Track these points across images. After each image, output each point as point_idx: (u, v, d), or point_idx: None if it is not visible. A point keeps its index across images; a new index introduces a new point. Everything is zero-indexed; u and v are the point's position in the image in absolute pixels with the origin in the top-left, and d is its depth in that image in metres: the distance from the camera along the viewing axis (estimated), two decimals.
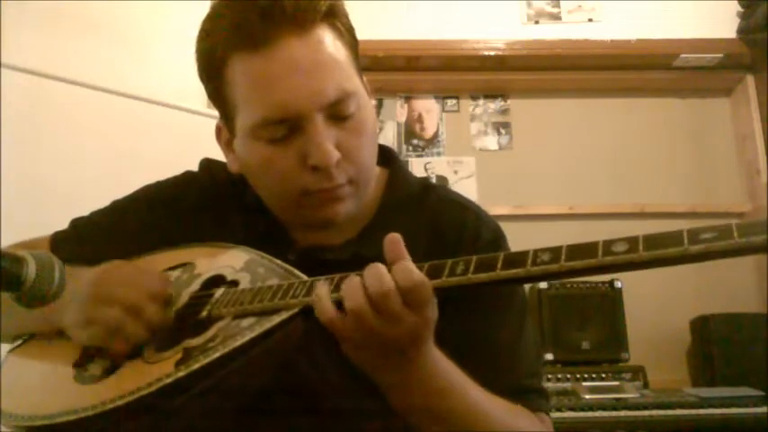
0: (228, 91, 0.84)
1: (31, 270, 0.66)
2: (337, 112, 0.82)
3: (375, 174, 0.92)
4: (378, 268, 0.68)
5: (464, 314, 0.80)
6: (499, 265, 0.67)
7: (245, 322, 0.76)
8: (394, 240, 0.69)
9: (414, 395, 0.73)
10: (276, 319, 0.74)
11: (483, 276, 0.68)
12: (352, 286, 0.68)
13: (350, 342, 0.70)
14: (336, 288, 0.71)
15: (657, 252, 0.61)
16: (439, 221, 0.91)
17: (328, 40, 0.82)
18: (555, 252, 0.66)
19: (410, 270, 0.67)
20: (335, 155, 0.81)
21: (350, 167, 0.84)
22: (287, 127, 0.81)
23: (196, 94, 0.89)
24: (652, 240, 0.62)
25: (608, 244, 0.64)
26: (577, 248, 0.65)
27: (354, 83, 0.84)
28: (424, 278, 0.67)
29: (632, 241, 0.63)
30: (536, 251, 0.67)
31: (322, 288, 0.71)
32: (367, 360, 0.72)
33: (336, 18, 0.83)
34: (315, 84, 0.80)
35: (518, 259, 0.67)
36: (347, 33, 0.85)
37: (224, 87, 0.84)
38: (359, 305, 0.67)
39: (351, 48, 0.86)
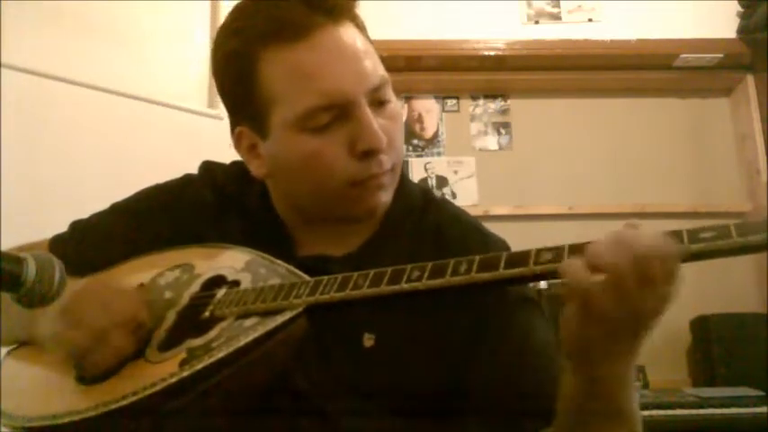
0: (263, 87, 0.83)
1: (31, 270, 0.66)
2: (378, 98, 0.84)
3: None
4: (637, 230, 0.63)
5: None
6: (502, 265, 0.67)
7: (249, 322, 0.76)
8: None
9: (613, 391, 0.68)
10: (279, 319, 0.74)
11: (485, 276, 0.68)
12: (610, 246, 0.61)
13: (593, 317, 0.63)
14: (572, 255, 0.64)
15: None
16: (443, 238, 0.90)
17: (358, 32, 0.85)
18: (557, 251, 0.66)
19: (668, 238, 0.62)
20: (384, 138, 0.82)
21: (392, 153, 0.85)
22: (332, 115, 0.81)
23: (196, 94, 0.88)
24: None
25: None
26: (579, 248, 0.65)
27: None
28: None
29: None
30: (538, 250, 0.67)
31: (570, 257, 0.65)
32: (594, 343, 0.66)
33: (358, 18, 0.87)
34: (360, 69, 0.82)
35: (520, 259, 0.68)
36: (365, 31, 0.88)
37: (257, 85, 0.83)
38: (624, 263, 0.60)
39: (370, 44, 0.88)
